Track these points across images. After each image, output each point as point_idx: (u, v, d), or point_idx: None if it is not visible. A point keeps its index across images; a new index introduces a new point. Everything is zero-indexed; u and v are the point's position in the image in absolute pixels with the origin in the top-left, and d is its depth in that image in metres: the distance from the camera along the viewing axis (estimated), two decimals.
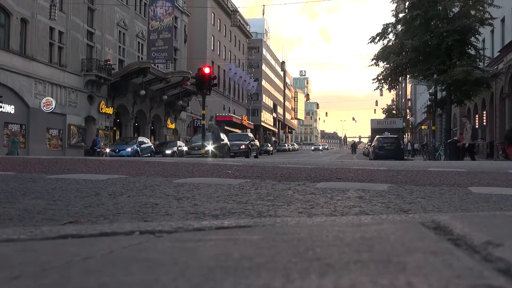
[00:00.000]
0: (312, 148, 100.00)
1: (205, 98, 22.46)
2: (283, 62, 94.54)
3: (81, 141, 31.54)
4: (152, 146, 30.19)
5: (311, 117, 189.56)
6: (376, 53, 27.26)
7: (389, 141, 29.23)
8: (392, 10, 27.09)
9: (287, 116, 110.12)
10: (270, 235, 1.29)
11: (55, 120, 28.75)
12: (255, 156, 29.49)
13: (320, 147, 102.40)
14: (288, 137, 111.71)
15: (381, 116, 78.43)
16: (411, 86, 70.14)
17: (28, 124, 26.74)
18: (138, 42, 39.89)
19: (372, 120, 54.56)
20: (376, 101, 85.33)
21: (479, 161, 19.83)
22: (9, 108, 25.71)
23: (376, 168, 5.70)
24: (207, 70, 20.85)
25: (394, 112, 77.12)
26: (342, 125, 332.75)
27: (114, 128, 35.37)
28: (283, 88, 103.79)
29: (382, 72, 27.56)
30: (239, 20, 57.66)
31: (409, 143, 46.70)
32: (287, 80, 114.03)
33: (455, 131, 32.69)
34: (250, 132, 47.57)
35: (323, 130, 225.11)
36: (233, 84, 63.73)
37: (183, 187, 3.47)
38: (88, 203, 2.65)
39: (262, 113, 79.66)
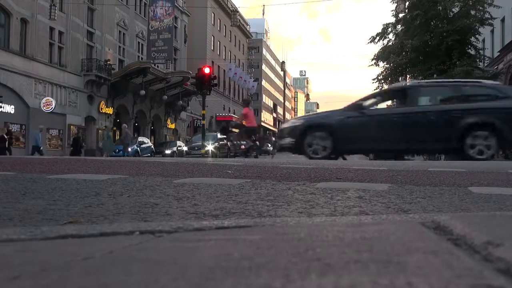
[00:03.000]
0: None
1: (205, 98, 22.51)
2: (283, 62, 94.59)
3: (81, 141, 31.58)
4: (152, 146, 30.23)
5: None
6: (376, 53, 27.35)
7: None
8: (392, 10, 27.16)
9: (287, 116, 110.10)
10: (270, 235, 1.29)
11: (55, 120, 28.76)
12: (255, 156, 29.46)
13: None
14: None
15: None
16: None
17: (28, 124, 26.75)
18: (138, 42, 39.90)
19: None
20: None
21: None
22: (9, 108, 25.73)
23: (376, 168, 5.70)
24: (207, 70, 20.88)
25: None
26: None
27: (114, 128, 35.39)
28: (283, 88, 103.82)
29: (382, 72, 27.61)
30: (239, 20, 57.67)
31: None
32: (287, 80, 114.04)
33: None
34: None
35: None
36: (233, 84, 63.74)
37: (183, 187, 3.47)
38: (88, 203, 2.65)
39: (262, 113, 79.68)
